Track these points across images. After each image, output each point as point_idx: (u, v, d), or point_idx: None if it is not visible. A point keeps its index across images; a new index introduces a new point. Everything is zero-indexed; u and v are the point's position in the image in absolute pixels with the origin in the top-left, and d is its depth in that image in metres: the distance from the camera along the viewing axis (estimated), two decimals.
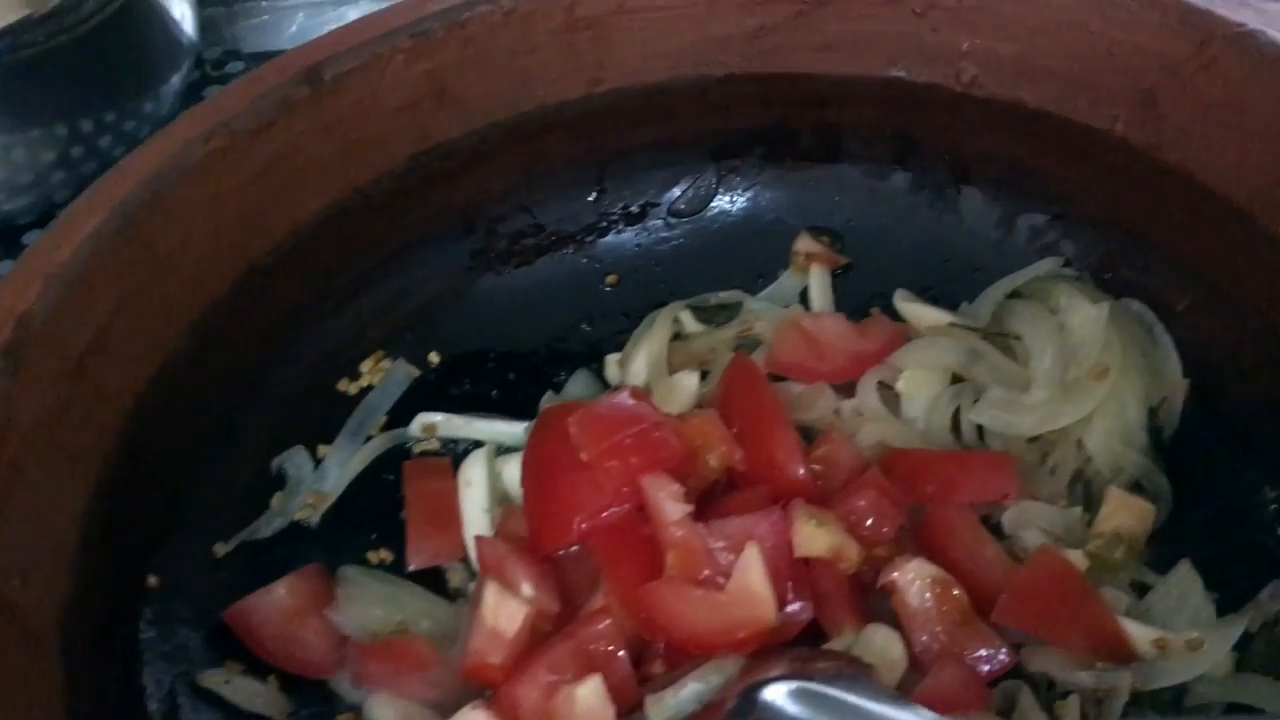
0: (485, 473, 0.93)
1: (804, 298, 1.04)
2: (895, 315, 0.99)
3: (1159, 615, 0.78)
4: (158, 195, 0.84)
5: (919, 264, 1.02)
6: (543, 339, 1.05)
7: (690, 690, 0.72)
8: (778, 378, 0.95)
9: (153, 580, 0.87)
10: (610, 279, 1.07)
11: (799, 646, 0.77)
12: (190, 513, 0.91)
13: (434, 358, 1.03)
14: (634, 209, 1.08)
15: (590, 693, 0.73)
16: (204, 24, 1.69)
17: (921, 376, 0.93)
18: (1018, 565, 0.81)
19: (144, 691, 0.84)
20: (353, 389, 1.01)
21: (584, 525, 0.81)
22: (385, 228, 1.00)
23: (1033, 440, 0.89)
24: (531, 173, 1.04)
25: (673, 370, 0.98)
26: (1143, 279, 0.91)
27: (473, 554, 0.89)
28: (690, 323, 1.02)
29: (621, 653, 0.76)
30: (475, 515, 0.92)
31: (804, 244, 1.05)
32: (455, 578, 0.91)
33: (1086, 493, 0.86)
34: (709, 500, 0.85)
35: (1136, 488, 0.85)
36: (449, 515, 0.93)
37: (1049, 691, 0.77)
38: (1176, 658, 0.75)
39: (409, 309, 1.04)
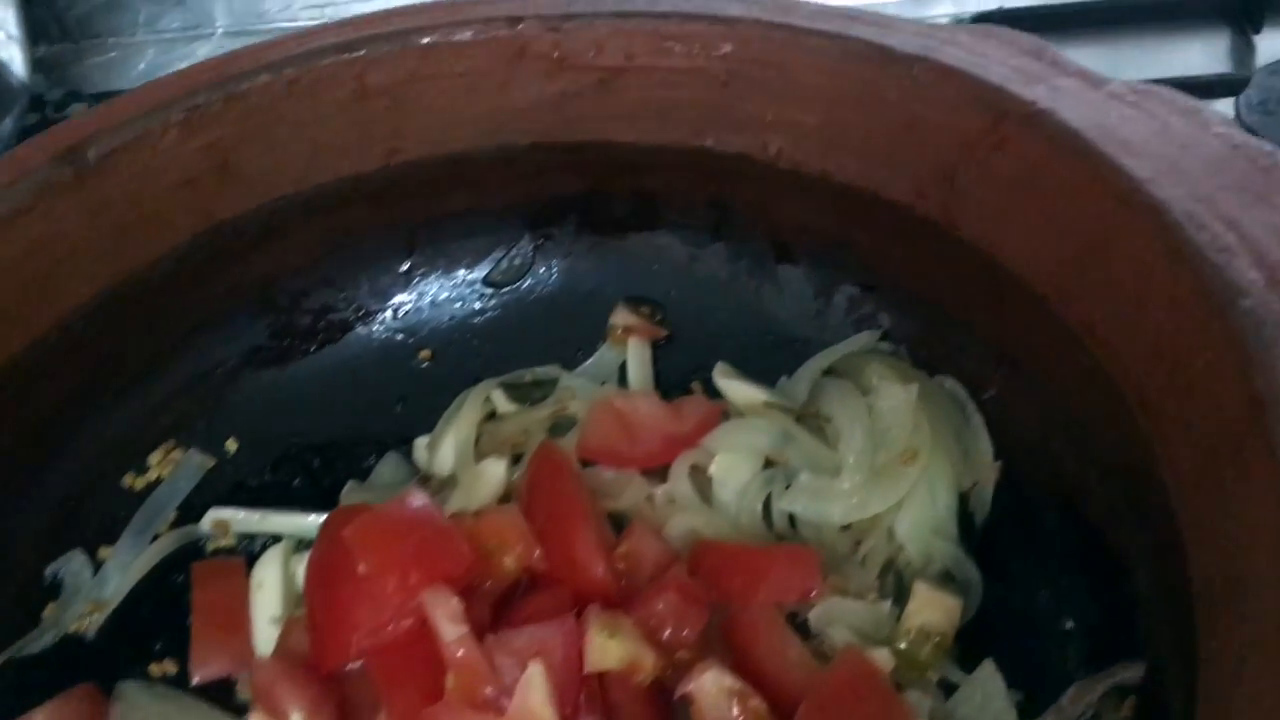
0: (279, 574, 0.88)
1: (624, 371, 0.99)
2: (716, 389, 0.95)
3: (964, 718, 0.75)
4: None
5: (740, 335, 0.99)
6: (350, 421, 0.99)
7: None
8: (590, 462, 0.91)
9: None
10: (424, 354, 1.03)
11: None
12: None
13: (231, 445, 0.98)
14: (447, 280, 1.03)
15: None
16: (46, 62, 1.62)
17: (734, 460, 0.89)
18: (823, 667, 0.78)
19: None
20: (139, 484, 0.95)
21: (363, 642, 0.76)
22: (171, 310, 0.94)
23: (845, 528, 0.85)
24: (333, 246, 0.99)
25: (483, 455, 0.94)
26: (956, 356, 0.88)
27: None
28: (502, 403, 0.98)
29: None
30: (264, 625, 0.86)
31: (621, 316, 1.01)
32: (246, 690, 0.85)
33: (898, 584, 0.83)
34: (509, 599, 0.81)
35: (948, 577, 0.82)
36: (239, 621, 0.87)
37: None
38: None
39: (202, 393, 0.98)
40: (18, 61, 1.48)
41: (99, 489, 0.93)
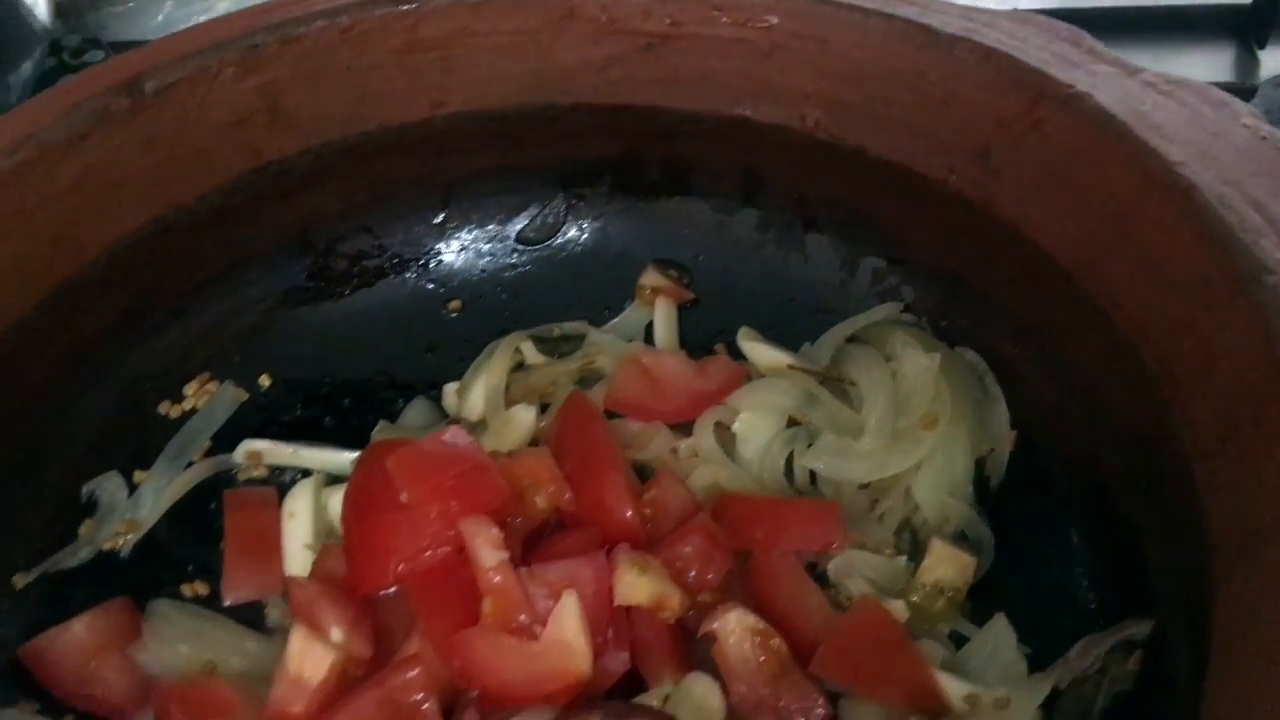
0: (310, 505, 0.90)
1: (649, 331, 1.02)
2: (739, 352, 0.98)
3: (974, 669, 0.79)
4: None
5: (765, 302, 1.02)
6: (381, 365, 1.02)
7: None
8: (616, 414, 0.94)
9: None
10: (454, 305, 1.05)
11: (614, 699, 0.76)
12: None
13: (264, 381, 1.00)
14: (480, 234, 1.06)
15: None
16: (64, 9, 1.62)
17: (758, 419, 0.92)
18: (840, 614, 0.81)
19: None
20: (175, 412, 0.97)
21: (401, 567, 0.78)
22: (213, 245, 0.96)
23: (863, 487, 0.89)
24: (373, 193, 1.01)
25: (512, 402, 0.96)
26: (977, 329, 0.92)
27: None
28: (532, 354, 1.00)
29: (430, 704, 0.74)
30: (296, 549, 0.89)
31: (650, 277, 1.03)
32: (275, 614, 0.87)
33: (913, 541, 0.87)
34: (537, 540, 0.84)
35: (961, 537, 0.86)
36: (270, 548, 0.89)
37: None
38: (986, 715, 0.75)
39: (239, 330, 1.00)
40: (41, 6, 1.48)
41: (136, 415, 0.95)
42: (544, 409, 0.96)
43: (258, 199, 0.95)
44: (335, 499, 0.91)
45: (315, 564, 0.86)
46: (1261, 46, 1.40)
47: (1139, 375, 0.74)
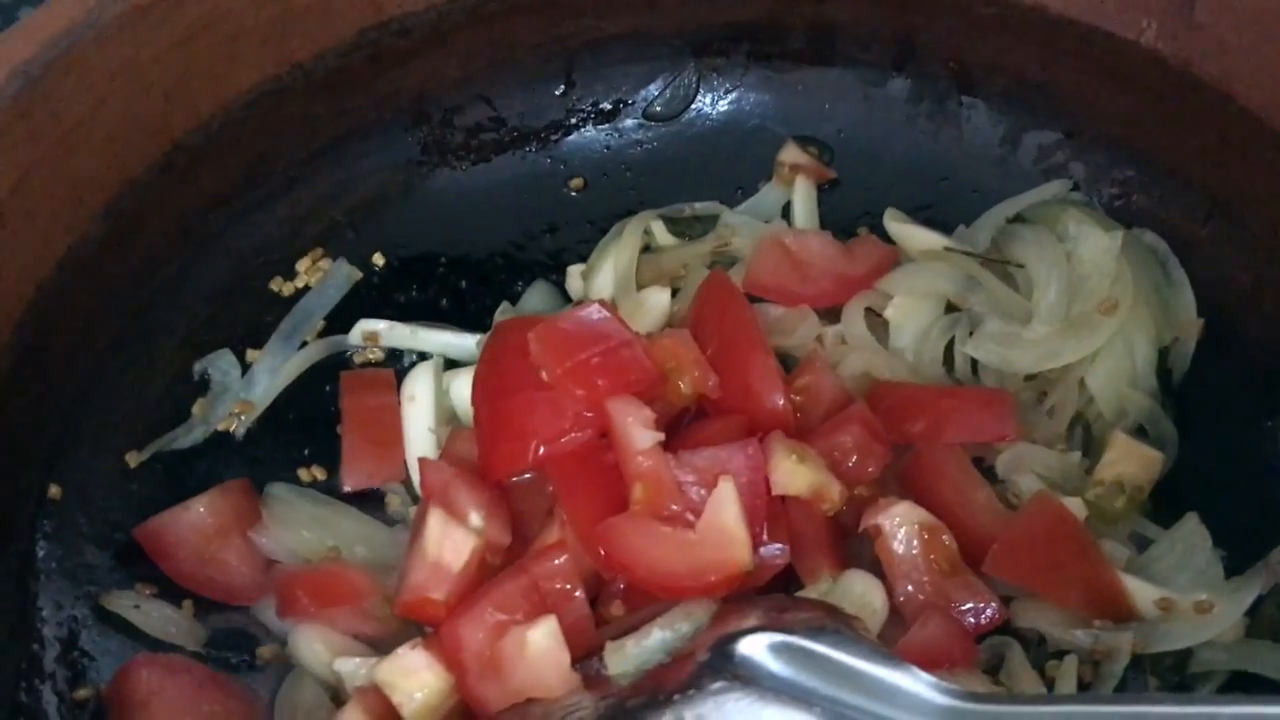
0: (432, 388, 0.86)
1: (786, 213, 0.95)
2: (885, 236, 0.91)
3: (1161, 572, 0.73)
4: (66, 56, 0.75)
5: (913, 182, 0.95)
6: (499, 245, 0.96)
7: (656, 638, 0.65)
8: (755, 299, 0.87)
9: (54, 490, 0.81)
10: (575, 183, 0.99)
11: (773, 593, 0.71)
12: (99, 416, 0.84)
13: (378, 260, 0.95)
14: (605, 107, 0.99)
15: (543, 635, 0.66)
16: None
17: (913, 304, 0.86)
18: (1011, 512, 0.75)
19: (39, 614, 0.76)
20: (287, 289, 0.92)
21: (541, 451, 0.73)
22: (327, 111, 0.91)
23: (1030, 378, 0.82)
24: (493, 59, 0.95)
25: (641, 285, 0.90)
26: (1159, 208, 0.85)
27: (415, 477, 0.82)
28: (662, 234, 0.94)
29: (579, 592, 0.69)
30: (419, 435, 0.84)
31: (790, 154, 0.96)
32: (395, 502, 0.84)
33: (1086, 437, 0.81)
34: (676, 430, 0.78)
35: (1140, 433, 0.79)
36: (390, 433, 0.85)
37: (1040, 649, 0.72)
38: (1183, 620, 0.69)
39: (352, 204, 0.95)
40: None
41: (247, 291, 0.91)
42: (674, 293, 0.90)
43: (375, 60, 0.90)
44: (456, 384, 0.86)
45: (444, 448, 0.81)
46: None
47: None
